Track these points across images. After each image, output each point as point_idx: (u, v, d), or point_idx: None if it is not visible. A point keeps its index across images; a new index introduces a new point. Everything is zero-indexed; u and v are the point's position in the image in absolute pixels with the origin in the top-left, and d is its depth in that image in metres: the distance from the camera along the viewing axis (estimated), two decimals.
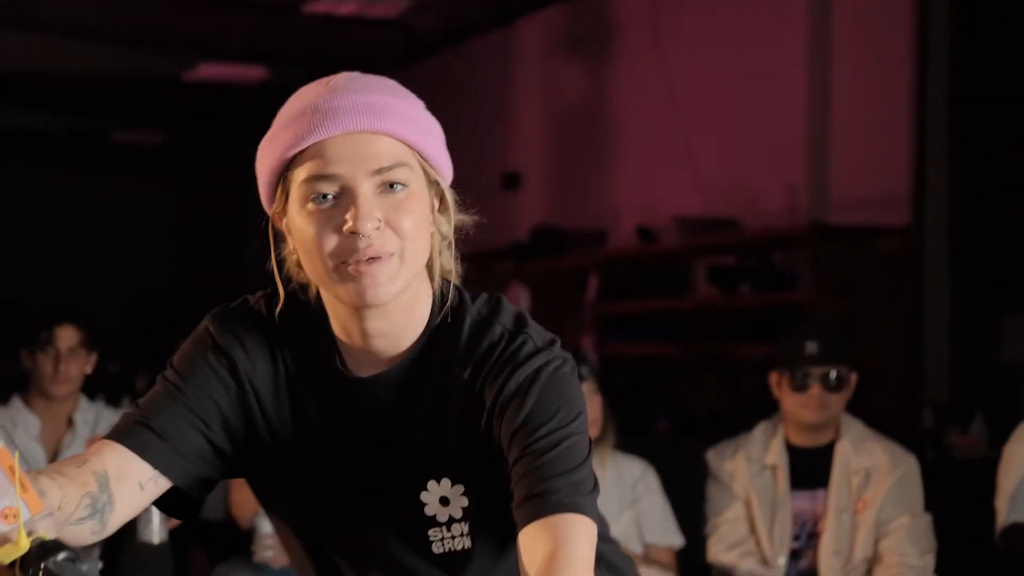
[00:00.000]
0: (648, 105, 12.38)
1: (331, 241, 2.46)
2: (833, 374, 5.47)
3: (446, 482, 2.61)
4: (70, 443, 6.11)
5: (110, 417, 6.27)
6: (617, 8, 12.85)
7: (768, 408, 5.78)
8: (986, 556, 5.83)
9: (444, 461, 2.61)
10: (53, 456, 6.04)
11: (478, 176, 14.12)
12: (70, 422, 6.17)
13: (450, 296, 2.68)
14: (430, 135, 2.63)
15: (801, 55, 10.90)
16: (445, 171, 2.68)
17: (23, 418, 6.10)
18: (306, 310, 2.67)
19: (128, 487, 2.59)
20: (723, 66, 11.60)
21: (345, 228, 2.45)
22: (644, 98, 12.44)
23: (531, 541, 2.39)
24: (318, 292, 2.66)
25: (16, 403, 6.13)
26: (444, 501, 2.61)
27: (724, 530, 5.55)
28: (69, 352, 6.03)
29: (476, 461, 2.60)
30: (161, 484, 2.60)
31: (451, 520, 2.59)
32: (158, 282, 17.44)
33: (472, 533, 2.61)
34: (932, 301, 9.97)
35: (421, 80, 10.73)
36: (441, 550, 2.59)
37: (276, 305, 2.65)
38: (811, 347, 5.51)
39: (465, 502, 2.60)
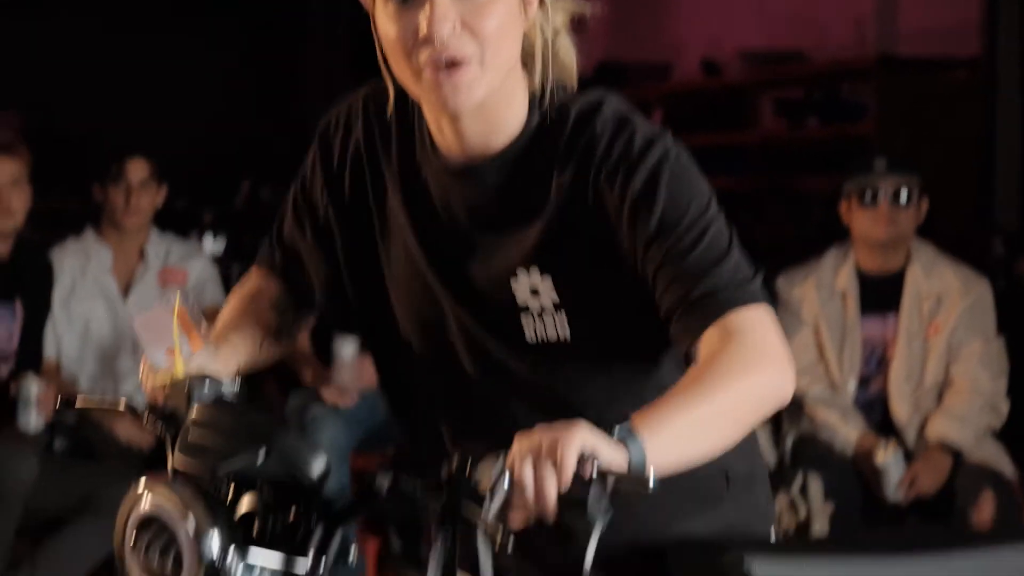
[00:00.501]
0: None
1: (408, 43, 2.41)
2: (904, 190, 5.51)
3: (535, 272, 2.55)
4: (142, 275, 6.15)
5: (180, 250, 6.37)
6: None
7: (834, 239, 5.84)
8: None
9: (534, 252, 2.55)
10: (125, 287, 6.10)
11: None
12: (142, 254, 6.19)
13: (550, 93, 2.59)
14: None
15: None
16: None
17: (96, 250, 6.12)
18: (406, 105, 2.64)
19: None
20: None
21: (420, 33, 2.40)
22: None
23: (711, 350, 2.34)
24: None
25: (89, 235, 6.14)
26: (534, 291, 2.57)
27: (795, 355, 5.52)
28: (140, 185, 6.03)
29: (569, 255, 2.53)
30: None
31: (542, 310, 2.55)
32: (221, 118, 17.39)
33: (571, 325, 2.55)
34: (1003, 131, 9.94)
35: None
36: (534, 339, 2.55)
37: (379, 101, 2.64)
38: (879, 164, 5.56)
39: (555, 296, 2.55)
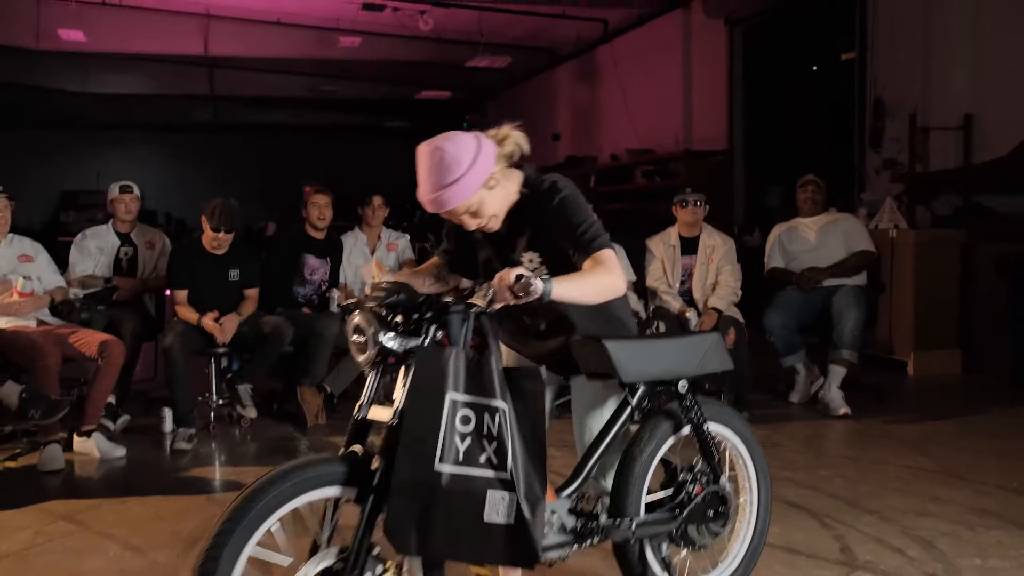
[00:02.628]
0: (615, 107, 12.30)
1: (457, 221, 2.42)
2: (699, 201, 5.41)
3: (531, 252, 2.47)
4: (379, 246, 5.87)
5: (395, 235, 6.04)
6: (595, 59, 12.75)
7: (668, 224, 5.67)
8: (759, 285, 5.84)
9: (527, 245, 2.48)
10: (372, 251, 5.84)
11: (541, 135, 14.17)
12: (379, 237, 5.93)
13: (527, 178, 2.46)
14: (468, 177, 2.28)
15: (679, 100, 10.84)
16: (485, 168, 2.31)
17: (359, 236, 5.88)
18: None
19: (444, 269, 2.70)
20: (649, 99, 11.53)
21: (460, 223, 2.41)
22: (612, 105, 12.41)
23: (587, 267, 2.38)
24: None
25: (356, 230, 5.91)
26: (530, 260, 2.48)
27: (652, 272, 5.48)
28: (378, 207, 5.90)
29: (543, 243, 2.46)
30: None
31: (533, 271, 2.42)
32: (406, 184, 16.62)
33: (548, 268, 2.46)
34: (736, 181, 10.11)
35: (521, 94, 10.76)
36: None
37: None
38: (689, 191, 5.48)
39: (538, 261, 2.47)
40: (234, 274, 5.19)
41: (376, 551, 2.14)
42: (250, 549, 2.02)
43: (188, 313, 5.02)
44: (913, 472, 4.18)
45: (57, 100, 15.62)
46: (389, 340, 2.18)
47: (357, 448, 2.19)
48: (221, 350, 5.10)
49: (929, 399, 5.78)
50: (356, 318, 2.21)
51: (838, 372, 5.39)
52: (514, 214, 2.48)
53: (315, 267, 5.67)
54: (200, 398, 5.20)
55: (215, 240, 5.08)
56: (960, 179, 7.37)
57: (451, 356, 2.12)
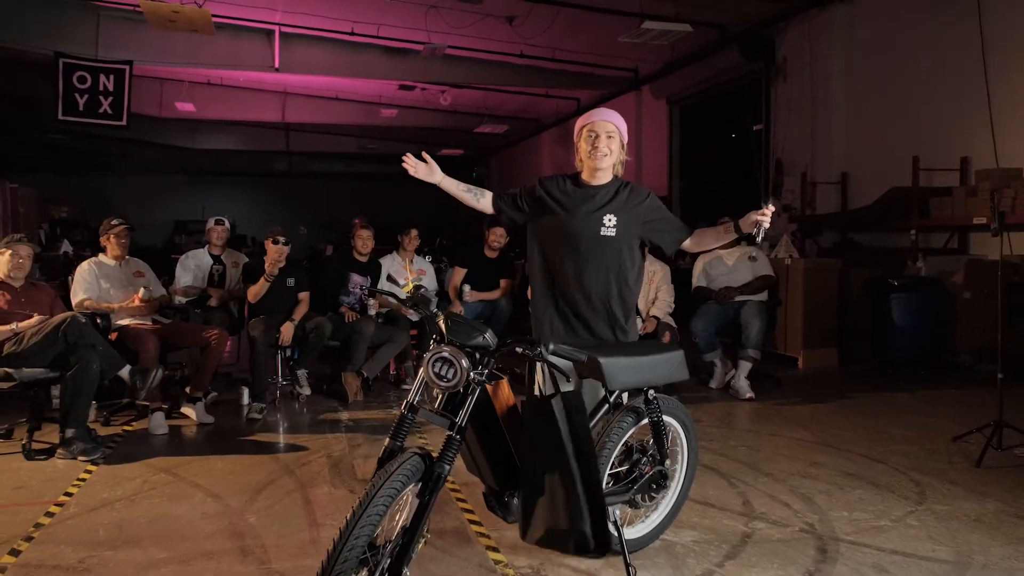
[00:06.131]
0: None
1: (587, 149, 2.53)
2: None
3: (611, 215, 2.53)
4: (412, 264, 5.55)
5: (423, 264, 5.72)
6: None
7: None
8: (687, 299, 5.65)
9: (609, 208, 2.53)
10: (408, 266, 5.50)
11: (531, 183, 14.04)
12: (412, 259, 5.57)
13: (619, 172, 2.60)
14: (621, 127, 2.55)
15: (632, 158, 10.82)
16: (625, 140, 2.58)
17: (396, 258, 5.56)
18: (563, 175, 2.67)
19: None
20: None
21: (590, 149, 2.53)
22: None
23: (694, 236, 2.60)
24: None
25: (393, 253, 5.61)
26: (609, 220, 2.53)
27: None
28: (414, 237, 5.61)
29: (619, 211, 2.54)
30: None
31: (610, 227, 2.53)
32: (452, 210, 16.69)
33: (616, 233, 2.54)
34: (674, 213, 9.98)
35: (515, 153, 10.45)
36: (606, 235, 2.53)
37: (547, 179, 2.66)
38: None
39: (615, 222, 2.53)
40: (291, 282, 5.08)
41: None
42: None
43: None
44: (798, 442, 4.10)
45: (173, 153, 15.85)
46: (476, 374, 2.02)
47: (419, 445, 2.03)
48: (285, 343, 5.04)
49: (813, 386, 5.68)
50: (446, 351, 2.01)
51: (745, 365, 5.31)
52: (611, 188, 2.59)
53: (358, 282, 5.54)
54: (269, 379, 5.06)
55: (278, 252, 4.92)
56: (838, 221, 7.36)
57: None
